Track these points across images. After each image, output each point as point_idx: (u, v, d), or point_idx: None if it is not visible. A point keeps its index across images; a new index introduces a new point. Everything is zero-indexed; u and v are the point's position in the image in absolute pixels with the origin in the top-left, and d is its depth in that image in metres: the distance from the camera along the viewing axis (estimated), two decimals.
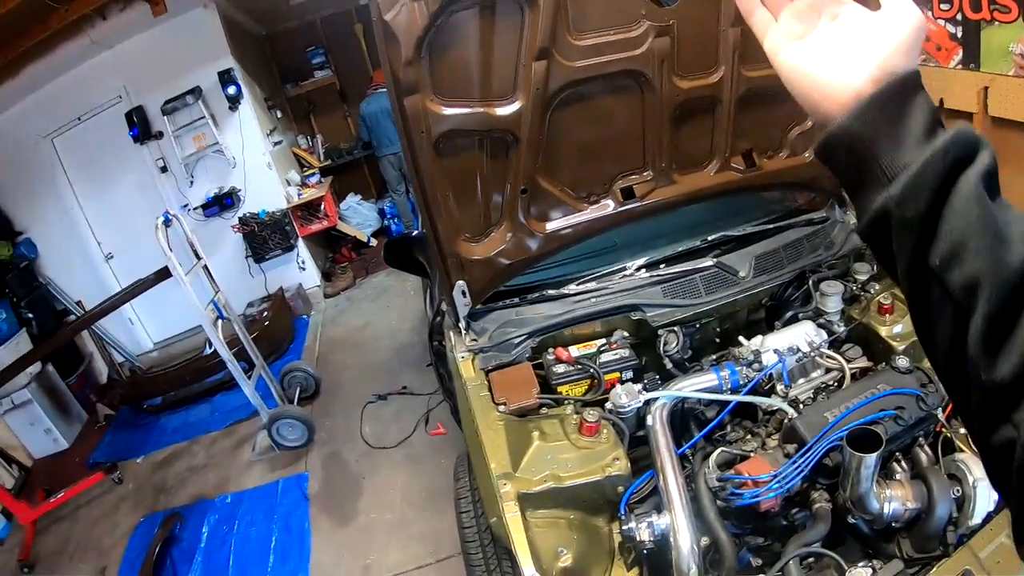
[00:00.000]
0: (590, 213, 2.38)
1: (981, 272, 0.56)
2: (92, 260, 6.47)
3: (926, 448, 2.06)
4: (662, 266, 2.55)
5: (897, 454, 2.04)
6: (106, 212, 6.37)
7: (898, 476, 1.96)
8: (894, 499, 1.85)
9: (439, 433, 4.25)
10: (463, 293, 2.35)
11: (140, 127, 5.91)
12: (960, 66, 3.43)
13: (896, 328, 2.43)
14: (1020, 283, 0.55)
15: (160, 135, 6.02)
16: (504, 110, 2.11)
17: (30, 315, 5.93)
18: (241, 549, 3.95)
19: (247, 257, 6.33)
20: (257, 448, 4.69)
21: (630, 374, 2.31)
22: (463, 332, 2.43)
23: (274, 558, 3.80)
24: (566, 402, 2.22)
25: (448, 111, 2.07)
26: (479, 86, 2.08)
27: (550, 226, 2.35)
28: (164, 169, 6.15)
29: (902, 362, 2.15)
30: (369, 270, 6.99)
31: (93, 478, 4.82)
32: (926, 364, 2.21)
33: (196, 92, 5.92)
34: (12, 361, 4.92)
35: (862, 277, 2.64)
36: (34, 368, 5.53)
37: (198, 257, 4.32)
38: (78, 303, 6.26)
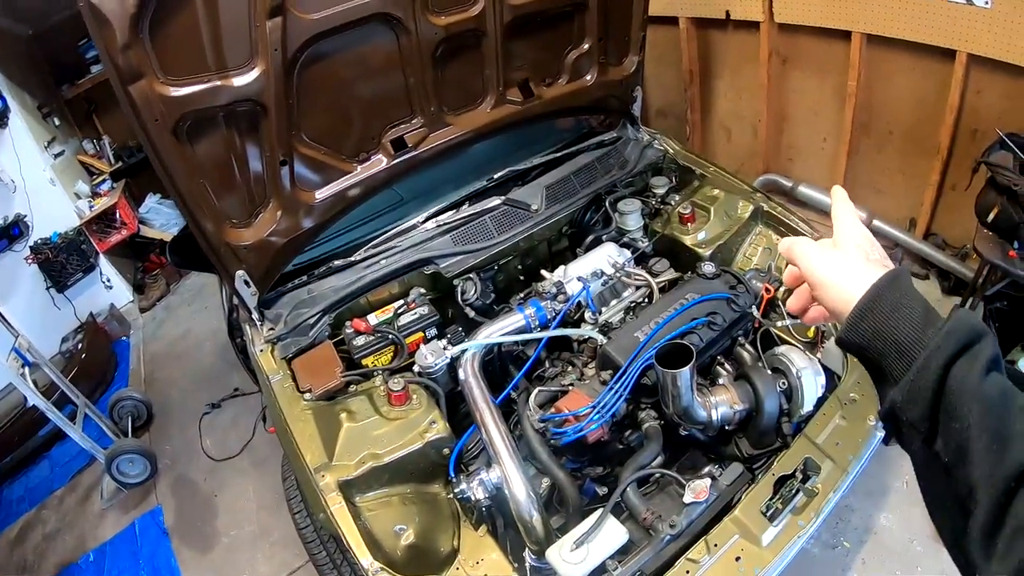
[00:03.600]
0: (362, 172, 2.24)
1: (980, 479, 0.57)
2: None
3: (747, 347, 2.12)
4: (449, 214, 2.47)
5: (719, 358, 2.09)
6: None
7: (722, 381, 2.02)
8: (721, 404, 1.90)
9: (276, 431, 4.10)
10: (246, 283, 2.16)
11: None
12: None
13: (700, 235, 2.49)
14: (1016, 485, 0.56)
15: None
16: (243, 79, 1.89)
17: None
18: None
19: (48, 288, 5.68)
20: (105, 494, 4.34)
21: (433, 331, 2.24)
22: (258, 323, 2.26)
23: None
24: (374, 374, 2.11)
25: (181, 92, 1.82)
26: (212, 57, 1.84)
27: (320, 194, 2.19)
28: None
29: (708, 268, 2.19)
30: (182, 273, 6.54)
31: None
32: (733, 267, 2.28)
33: None
34: None
35: (661, 191, 2.69)
36: None
37: None
38: None
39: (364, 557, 1.64)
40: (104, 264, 5.98)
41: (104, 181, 6.02)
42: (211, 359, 5.17)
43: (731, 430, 1.99)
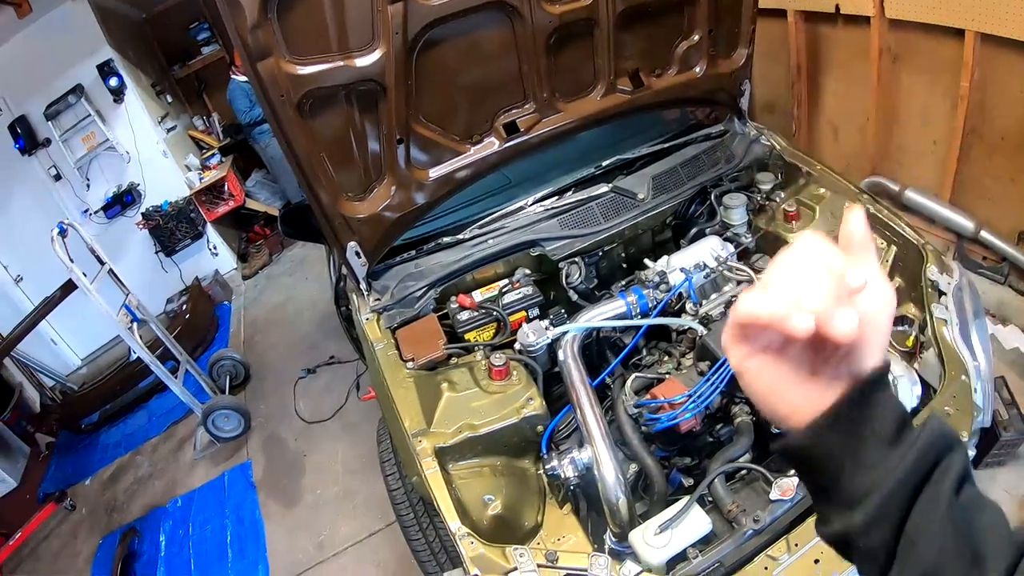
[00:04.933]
0: (474, 154, 2.30)
1: None
2: (1, 287, 6.11)
3: None
4: (556, 198, 2.51)
5: None
6: (5, 234, 5.96)
7: None
8: None
9: (371, 397, 4.17)
10: (357, 254, 2.26)
11: (25, 137, 5.52)
12: None
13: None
14: None
15: (48, 142, 5.63)
16: (365, 60, 1.99)
17: None
18: (200, 550, 3.93)
19: (157, 252, 6.06)
20: (198, 445, 4.60)
21: (536, 311, 2.28)
22: (365, 293, 2.36)
23: (232, 552, 3.79)
24: (475, 349, 2.18)
25: (306, 70, 1.93)
26: (336, 39, 1.94)
27: (434, 173, 2.26)
28: (58, 177, 5.78)
29: None
30: (284, 244, 6.81)
31: (45, 511, 4.72)
32: None
33: (78, 90, 5.54)
34: None
35: (766, 187, 2.65)
36: None
37: (101, 263, 4.13)
38: None
39: (453, 521, 1.70)
40: (211, 232, 6.31)
41: (213, 155, 6.34)
42: (309, 327, 5.35)
43: None
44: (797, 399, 0.59)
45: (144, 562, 4.04)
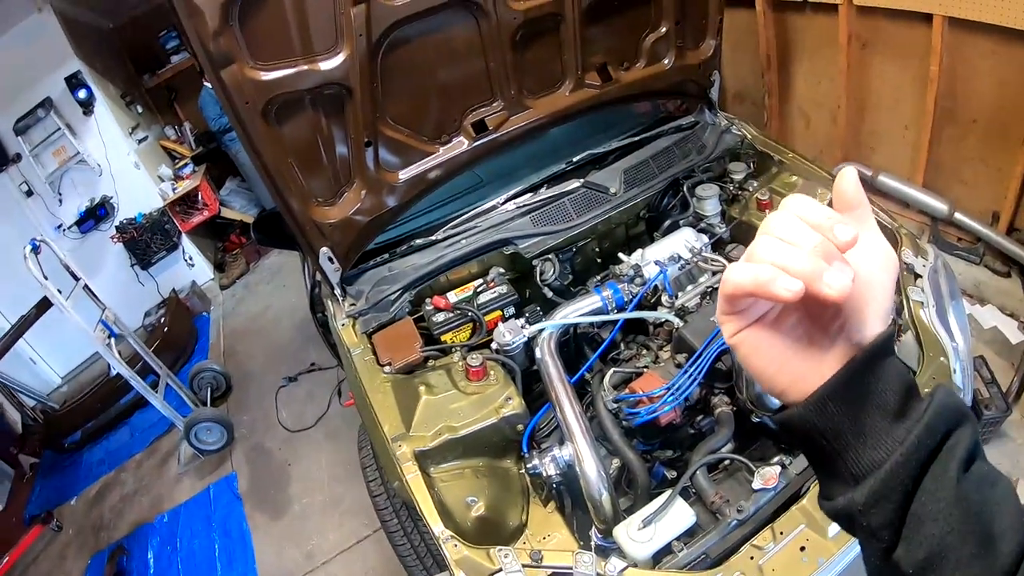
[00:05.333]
0: (444, 154, 2.29)
1: None
2: None
3: None
4: (529, 196, 2.50)
5: None
6: None
7: None
8: None
9: (352, 403, 4.16)
10: (330, 259, 2.24)
11: None
12: None
13: None
14: None
15: (18, 158, 5.54)
16: (329, 63, 1.97)
17: None
18: (189, 565, 3.91)
19: (133, 266, 6.00)
20: (182, 459, 4.56)
21: (512, 310, 2.27)
22: (340, 299, 2.34)
23: (221, 566, 3.77)
24: (452, 350, 2.17)
25: (270, 76, 1.91)
26: (299, 43, 1.92)
27: (403, 175, 2.25)
28: (29, 193, 5.69)
29: None
30: (261, 252, 6.77)
31: (32, 534, 4.69)
32: None
33: (47, 104, 5.46)
34: None
35: (739, 176, 2.66)
36: None
37: (76, 279, 4.08)
38: None
39: (436, 524, 1.68)
40: (186, 243, 6.26)
41: (186, 165, 6.28)
42: (289, 335, 5.34)
43: None
44: (796, 372, 0.57)
45: None
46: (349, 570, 3.29)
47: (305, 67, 1.95)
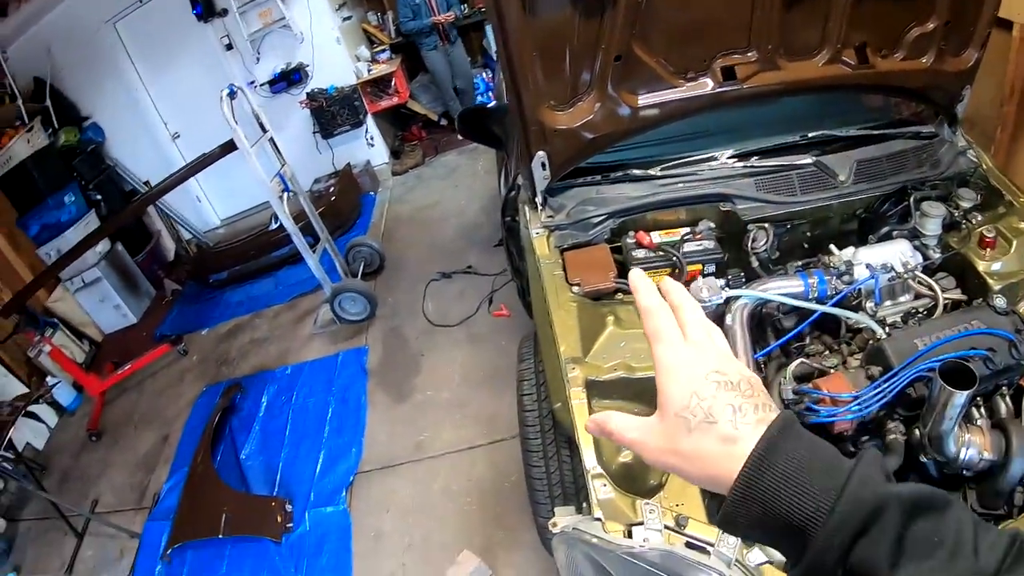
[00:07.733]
0: (686, 91, 2.17)
1: None
2: (158, 140, 6.56)
3: (1007, 399, 1.89)
4: (756, 158, 2.36)
5: (978, 399, 1.87)
6: (171, 92, 6.38)
7: (978, 422, 1.81)
8: (972, 445, 1.72)
9: (502, 315, 4.22)
10: (543, 165, 2.21)
11: (204, 5, 5.79)
12: None
13: (995, 265, 2.23)
14: None
15: (224, 12, 5.88)
16: None
17: (98, 197, 6.11)
18: (298, 419, 4.08)
19: (315, 133, 6.28)
20: (319, 321, 4.78)
21: (712, 268, 2.19)
22: (539, 207, 2.32)
23: (329, 429, 3.91)
24: None
25: None
26: None
27: (642, 100, 2.15)
28: (229, 47, 6.05)
29: (1000, 302, 1.96)
30: (439, 149, 6.85)
31: (159, 350, 5.07)
32: (1023, 308, 2.03)
33: None
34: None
35: (965, 204, 2.42)
36: (103, 247, 5.77)
37: (264, 130, 4.27)
38: (146, 183, 6.41)
39: (590, 456, 1.66)
40: (370, 123, 6.46)
41: (384, 51, 6.45)
42: (451, 233, 5.37)
43: (965, 477, 1.79)
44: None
45: (242, 417, 4.27)
46: (453, 471, 3.31)
47: None
